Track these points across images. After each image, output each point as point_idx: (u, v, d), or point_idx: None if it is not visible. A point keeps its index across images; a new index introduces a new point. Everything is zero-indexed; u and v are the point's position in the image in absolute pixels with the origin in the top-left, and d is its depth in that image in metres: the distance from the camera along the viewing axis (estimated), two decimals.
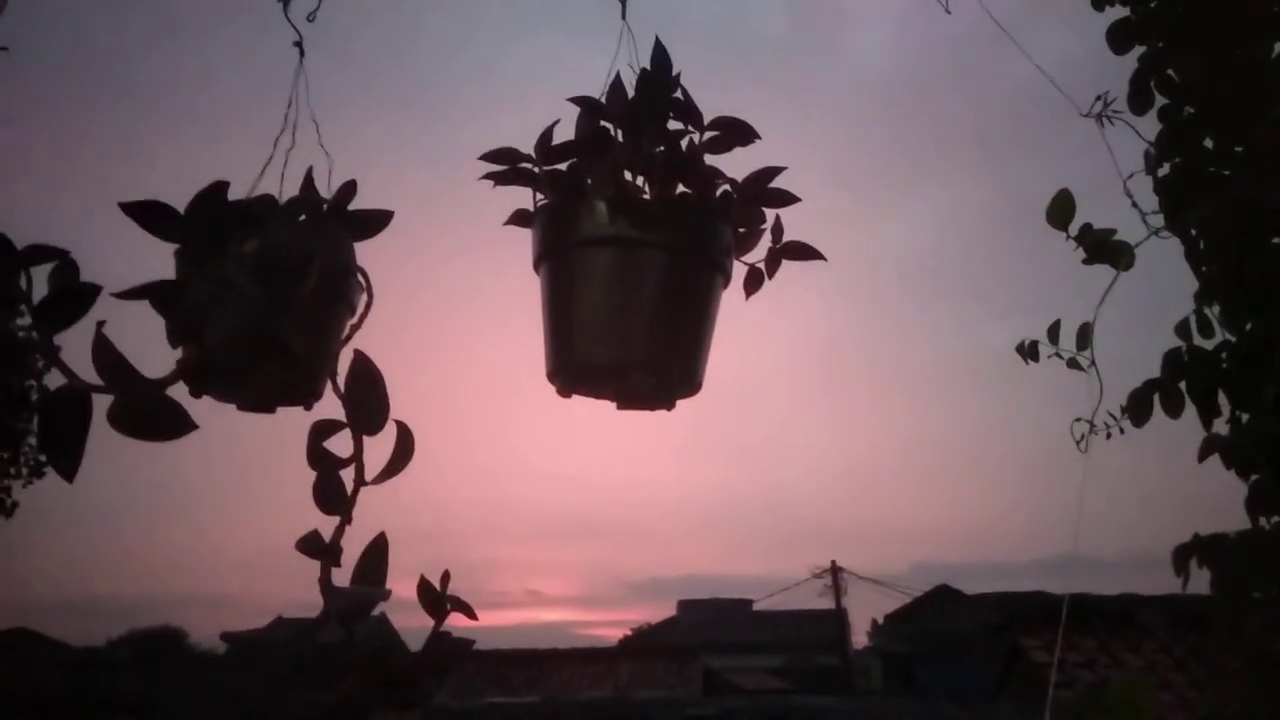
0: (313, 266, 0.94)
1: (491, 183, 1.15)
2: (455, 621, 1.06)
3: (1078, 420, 1.14)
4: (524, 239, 1.20)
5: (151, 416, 0.80)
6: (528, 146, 1.16)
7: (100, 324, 0.83)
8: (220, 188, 1.10)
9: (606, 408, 1.16)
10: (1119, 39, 1.20)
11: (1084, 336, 1.15)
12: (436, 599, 1.05)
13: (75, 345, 0.88)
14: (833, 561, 20.15)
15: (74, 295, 0.83)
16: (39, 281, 0.91)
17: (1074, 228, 1.15)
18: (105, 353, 0.81)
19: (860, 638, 22.45)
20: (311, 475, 1.06)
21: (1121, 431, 1.17)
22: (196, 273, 0.99)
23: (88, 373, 0.83)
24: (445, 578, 1.05)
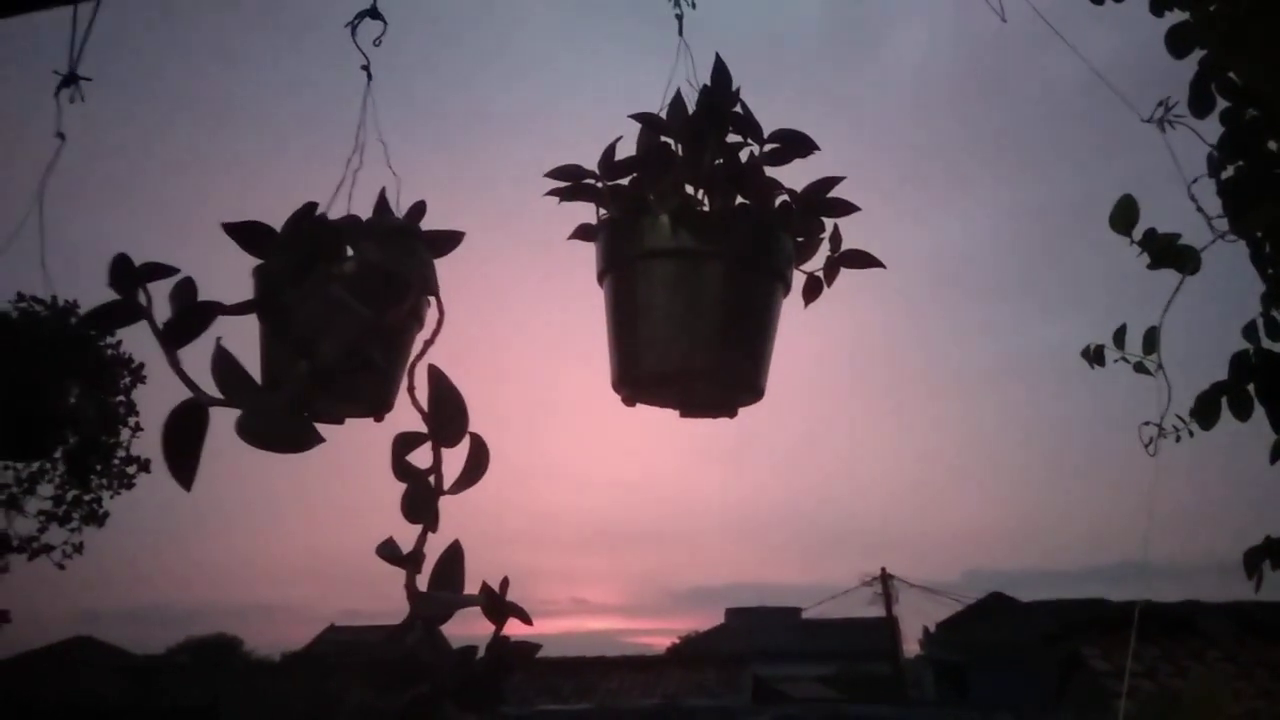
0: (410, 288, 0.99)
1: (556, 199, 1.20)
2: (507, 629, 1.09)
3: (1146, 424, 1.14)
4: (585, 253, 1.24)
5: (280, 429, 0.85)
6: (588, 161, 1.20)
7: (219, 339, 0.88)
8: (311, 208, 1.16)
9: (653, 416, 1.19)
10: (1178, 43, 1.20)
11: (1150, 340, 1.16)
12: (497, 604, 1.09)
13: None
14: (883, 569, 19.93)
15: (195, 313, 0.89)
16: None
17: (1137, 232, 1.15)
18: (226, 367, 0.86)
19: (911, 646, 22.15)
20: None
21: (1190, 435, 1.17)
22: (290, 290, 1.05)
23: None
24: (504, 584, 1.09)
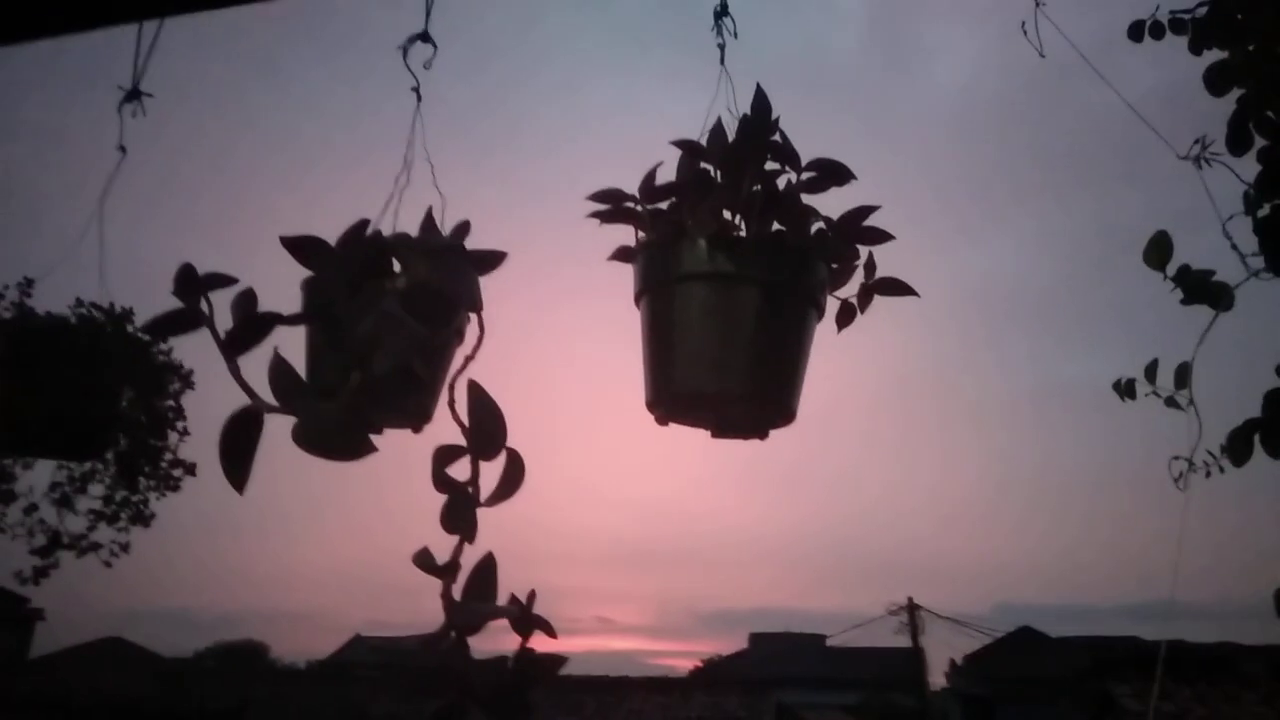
0: (458, 306, 1.03)
1: (598, 220, 1.23)
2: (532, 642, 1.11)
3: (1176, 458, 1.14)
4: (623, 274, 1.27)
5: (337, 436, 0.88)
6: (627, 182, 1.23)
7: (277, 348, 0.92)
8: (364, 225, 1.21)
9: (684, 437, 1.21)
10: (1217, 82, 1.21)
11: (1183, 376, 1.16)
12: (524, 617, 1.11)
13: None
14: (909, 598, 19.67)
15: (255, 323, 0.93)
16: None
17: (1171, 267, 1.16)
18: (283, 375, 0.90)
19: (938, 678, 21.81)
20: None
21: (1221, 471, 1.17)
22: (344, 303, 1.09)
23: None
24: (531, 596, 1.12)
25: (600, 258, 1.30)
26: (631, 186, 1.24)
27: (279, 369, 0.92)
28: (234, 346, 0.94)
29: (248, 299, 0.97)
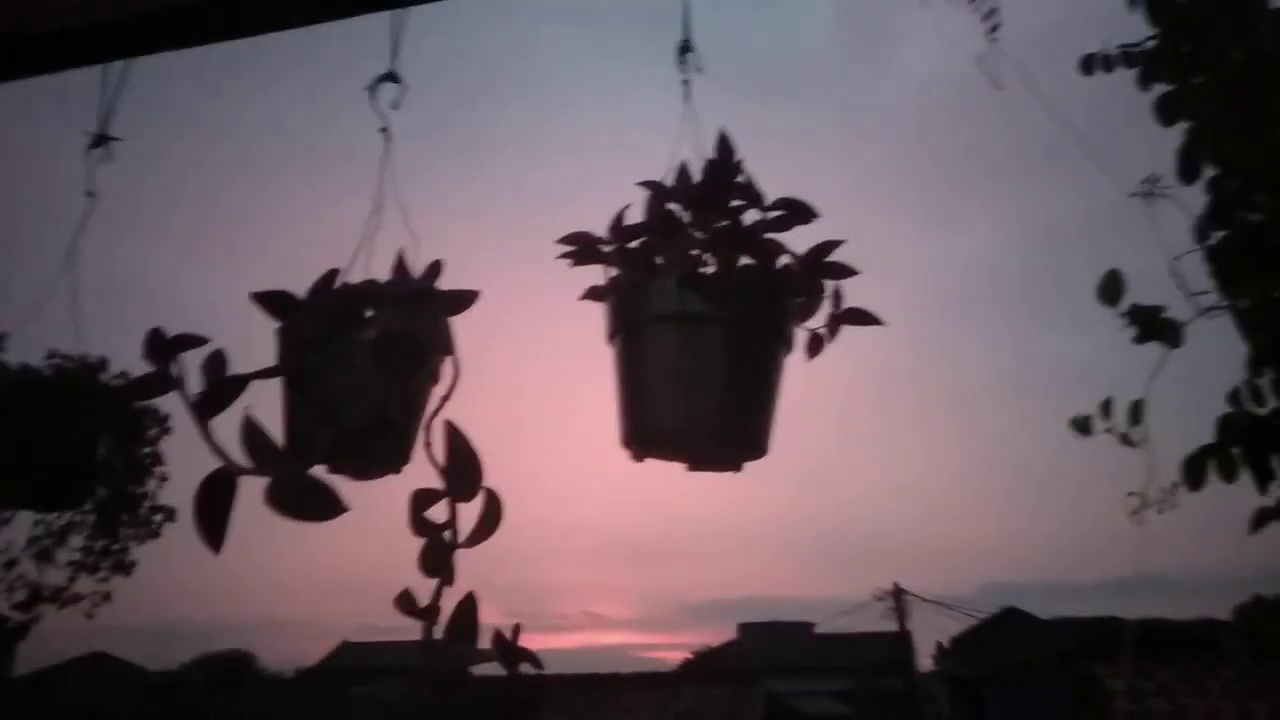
0: (429, 354, 1.04)
1: (569, 261, 1.24)
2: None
3: (1130, 494, 1.18)
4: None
5: (306, 498, 0.89)
6: (596, 211, 1.25)
7: (248, 409, 0.93)
8: (332, 276, 1.21)
9: None
10: (1166, 112, 1.24)
11: (1136, 412, 1.19)
12: (510, 651, 1.13)
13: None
14: (895, 584, 19.83)
15: (226, 386, 0.94)
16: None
17: (1124, 303, 1.19)
18: (254, 437, 0.91)
19: (926, 661, 22.02)
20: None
21: (1174, 507, 1.21)
22: (315, 354, 1.10)
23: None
24: (516, 630, 1.13)
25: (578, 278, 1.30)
26: (598, 213, 1.26)
27: (250, 432, 0.93)
28: (205, 410, 0.95)
29: (217, 361, 0.98)
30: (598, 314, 1.26)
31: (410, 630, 1.09)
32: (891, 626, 19.59)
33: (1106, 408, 1.23)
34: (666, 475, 1.22)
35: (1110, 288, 1.17)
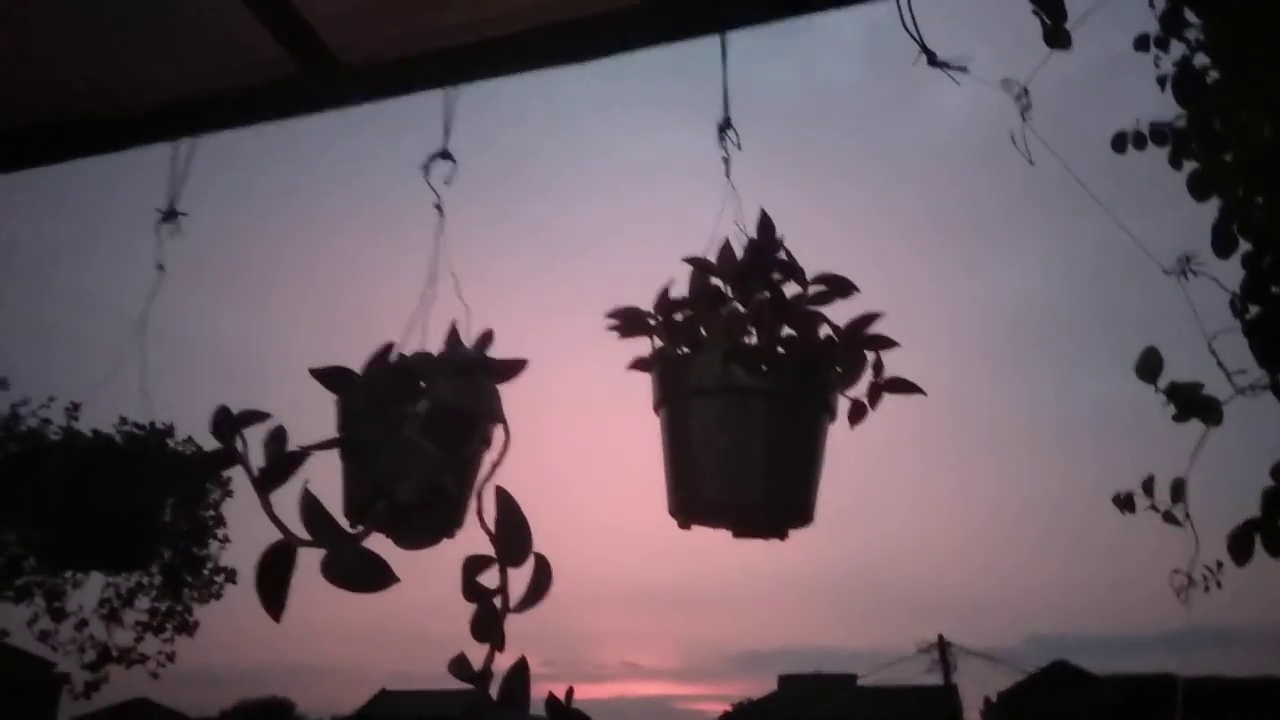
0: (477, 426, 1.09)
1: (617, 334, 1.29)
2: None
3: (1176, 572, 1.17)
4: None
5: (359, 570, 0.93)
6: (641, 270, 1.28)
7: (306, 483, 0.98)
8: (387, 351, 1.27)
9: None
10: (1198, 188, 1.26)
11: (1178, 491, 1.19)
12: (563, 714, 1.15)
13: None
14: (940, 635, 19.41)
15: (286, 460, 0.99)
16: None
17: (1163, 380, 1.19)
18: (313, 511, 0.96)
19: (973, 715, 21.40)
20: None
21: (1219, 586, 1.20)
22: (369, 427, 1.15)
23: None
24: (569, 693, 1.16)
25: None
26: (650, 289, 1.30)
27: (308, 506, 0.97)
28: (267, 483, 1.00)
29: (278, 437, 1.03)
30: (642, 377, 1.30)
31: (448, 680, 1.11)
32: (936, 679, 19.13)
33: (1149, 485, 1.23)
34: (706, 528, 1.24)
35: (1149, 365, 1.18)
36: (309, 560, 1.00)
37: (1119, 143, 1.42)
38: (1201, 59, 1.30)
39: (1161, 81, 1.36)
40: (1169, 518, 1.20)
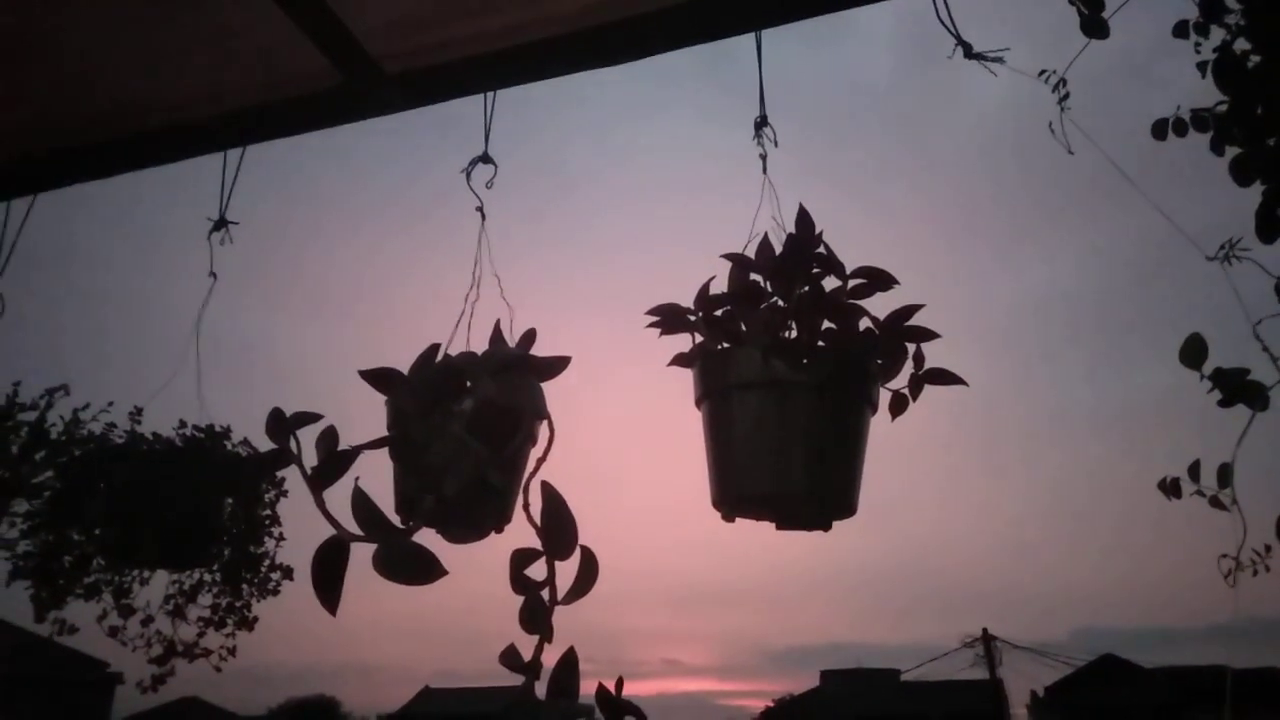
0: (522, 423, 1.11)
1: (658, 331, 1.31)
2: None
3: (1224, 556, 1.17)
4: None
5: (409, 563, 0.97)
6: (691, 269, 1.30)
7: (358, 480, 1.02)
8: (433, 352, 1.30)
9: None
10: (1241, 173, 1.25)
11: (1224, 476, 1.18)
12: (613, 705, 1.17)
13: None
14: (984, 629, 19.18)
15: (338, 459, 1.03)
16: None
17: (1208, 367, 1.18)
18: (364, 507, 0.99)
19: (1019, 710, 21.15)
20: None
21: (1267, 569, 1.19)
22: (417, 425, 1.18)
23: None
24: (619, 683, 1.18)
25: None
26: (695, 279, 1.31)
27: (360, 502, 1.01)
28: (320, 481, 1.04)
29: (330, 437, 1.07)
30: (683, 374, 1.32)
31: (491, 676, 1.14)
32: (980, 674, 18.92)
33: (1195, 470, 1.22)
34: (749, 521, 1.26)
35: (1193, 351, 1.18)
36: (355, 561, 1.04)
37: (1159, 129, 1.41)
38: (1242, 43, 1.29)
39: (1201, 67, 1.35)
40: (1216, 502, 1.19)
